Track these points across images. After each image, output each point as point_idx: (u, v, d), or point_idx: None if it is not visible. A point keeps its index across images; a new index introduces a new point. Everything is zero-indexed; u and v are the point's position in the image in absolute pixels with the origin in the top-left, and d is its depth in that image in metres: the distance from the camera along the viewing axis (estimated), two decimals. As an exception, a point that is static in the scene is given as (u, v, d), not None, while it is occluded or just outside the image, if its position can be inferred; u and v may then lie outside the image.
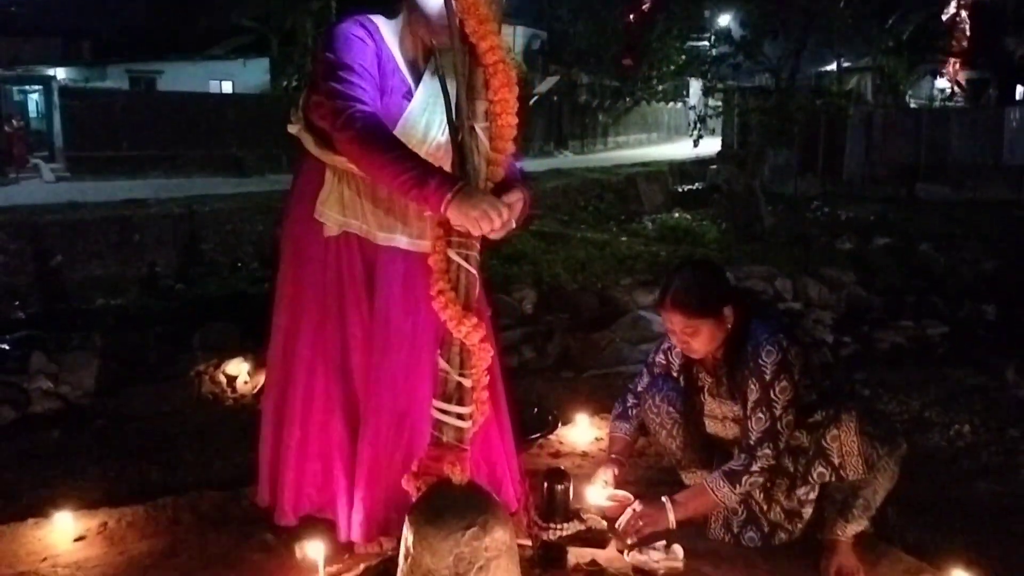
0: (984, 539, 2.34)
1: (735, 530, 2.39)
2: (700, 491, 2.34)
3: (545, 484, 2.38)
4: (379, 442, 2.15)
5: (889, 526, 2.40)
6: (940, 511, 2.60)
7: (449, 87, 1.89)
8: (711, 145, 20.05)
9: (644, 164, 19.48)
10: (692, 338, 2.32)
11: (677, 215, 14.43)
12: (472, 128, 1.82)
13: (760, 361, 2.24)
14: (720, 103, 18.78)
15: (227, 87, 22.31)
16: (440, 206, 1.77)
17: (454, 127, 1.84)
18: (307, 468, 2.22)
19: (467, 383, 1.84)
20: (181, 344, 4.90)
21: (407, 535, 1.77)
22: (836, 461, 2.22)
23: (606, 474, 2.52)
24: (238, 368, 4.25)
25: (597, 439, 3.17)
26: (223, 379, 4.26)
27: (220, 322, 5.17)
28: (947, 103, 21.70)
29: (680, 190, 17.54)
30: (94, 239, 10.28)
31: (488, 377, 1.90)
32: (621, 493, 2.46)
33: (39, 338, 5.67)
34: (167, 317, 7.29)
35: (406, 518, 1.79)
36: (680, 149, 23.21)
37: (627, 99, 28.64)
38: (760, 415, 2.25)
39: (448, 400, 1.84)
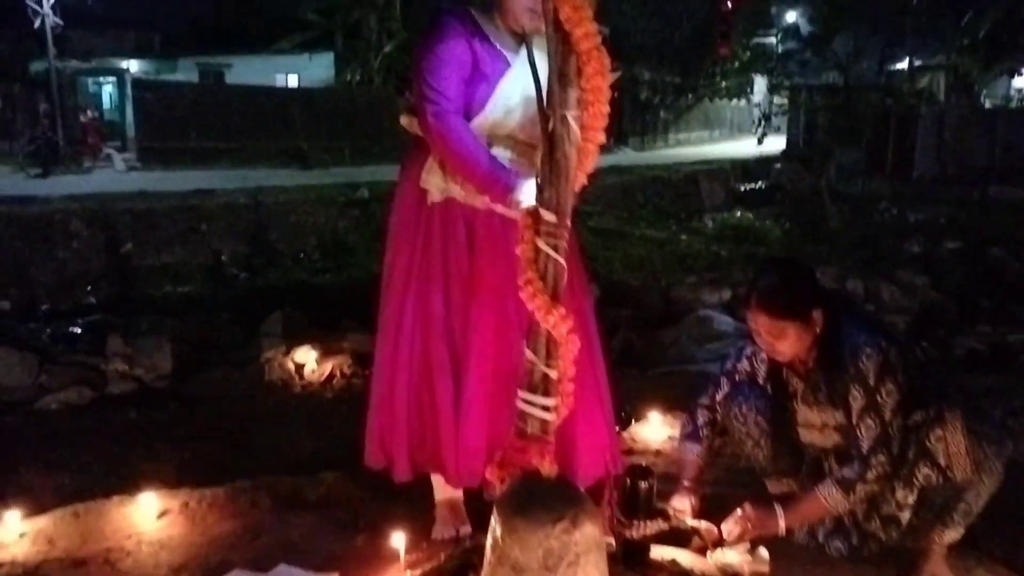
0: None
1: (820, 539, 2.32)
2: (812, 499, 2.24)
3: (628, 481, 2.34)
4: (479, 391, 2.19)
5: (978, 537, 2.31)
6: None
7: (540, 73, 1.88)
8: (775, 143, 19.71)
9: (705, 162, 19.21)
10: (778, 340, 2.23)
11: (739, 214, 14.21)
12: (564, 116, 1.79)
13: (861, 365, 2.15)
14: (786, 100, 18.45)
15: (293, 80, 22.71)
16: (508, 203, 2.05)
17: (545, 115, 1.82)
18: (417, 426, 2.26)
19: (553, 374, 1.81)
20: (250, 331, 5.00)
21: (495, 526, 1.75)
22: (943, 462, 2.11)
23: (682, 504, 2.41)
24: (306, 356, 4.32)
25: (670, 437, 3.13)
26: (291, 366, 4.33)
27: (288, 309, 5.25)
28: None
29: (742, 188, 17.27)
30: (163, 227, 10.53)
31: (574, 369, 1.88)
32: (704, 525, 2.35)
33: (112, 322, 5.84)
34: (232, 305, 7.45)
35: (494, 508, 1.78)
36: (743, 147, 22.87)
37: (689, 96, 28.31)
38: (869, 422, 2.15)
39: (534, 391, 1.81)
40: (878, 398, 2.14)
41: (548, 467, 1.79)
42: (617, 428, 2.59)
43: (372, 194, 11.57)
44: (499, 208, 2.19)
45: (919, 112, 16.87)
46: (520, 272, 1.82)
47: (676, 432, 2.94)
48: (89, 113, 17.61)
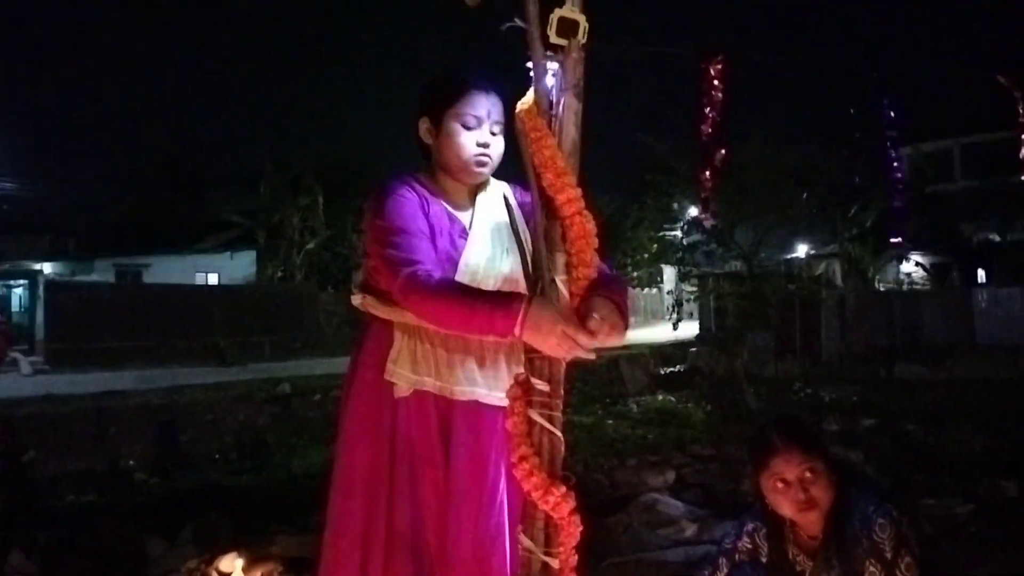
0: None
1: None
2: None
3: None
4: None
5: None
6: None
7: (500, 227, 1.88)
8: (689, 328, 20.37)
9: (626, 347, 19.63)
10: (814, 484, 2.08)
11: (661, 397, 14.38)
12: (552, 280, 1.75)
13: (875, 537, 2.03)
14: (695, 288, 19.29)
15: (213, 279, 22.72)
16: (514, 327, 1.69)
17: (531, 280, 1.78)
18: None
19: (555, 563, 1.65)
20: (165, 541, 4.66)
21: None
22: None
23: None
24: (231, 565, 4.01)
25: None
26: (215, 576, 4.01)
27: (209, 515, 4.94)
28: (914, 286, 22.44)
29: (662, 372, 17.61)
30: (68, 433, 10.00)
31: (576, 557, 1.71)
32: None
33: (12, 538, 5.38)
34: (141, 513, 6.98)
35: None
36: (659, 332, 23.53)
37: (604, 286, 29.35)
38: None
39: None
40: (898, 573, 2.03)
41: None
42: None
43: (294, 389, 11.33)
44: (480, 395, 2.03)
45: (821, 297, 17.83)
46: (513, 449, 1.68)
47: None
48: (-5, 318, 17.13)
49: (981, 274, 22.58)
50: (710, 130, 9.81)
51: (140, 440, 10.49)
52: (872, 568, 2.04)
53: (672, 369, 17.94)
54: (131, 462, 9.92)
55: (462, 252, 2.05)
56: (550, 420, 1.70)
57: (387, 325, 2.08)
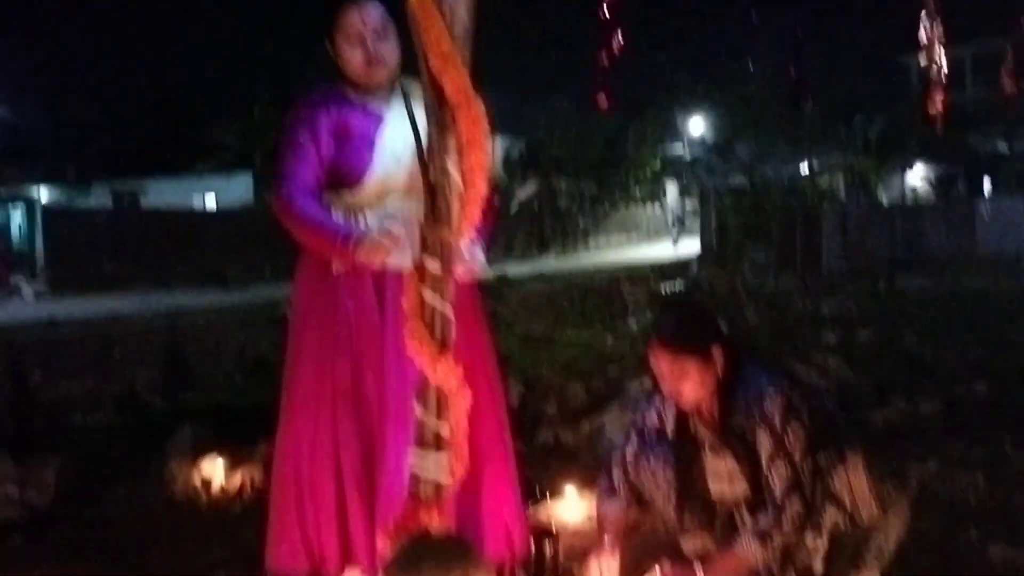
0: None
1: None
2: (730, 555, 2.16)
3: (532, 544, 2.26)
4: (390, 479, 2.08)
5: None
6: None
7: (416, 115, 1.92)
8: (690, 245, 20.36)
9: (626, 266, 19.67)
10: (681, 381, 2.19)
11: (661, 314, 14.48)
12: (443, 166, 1.79)
13: (765, 408, 2.12)
14: (697, 203, 19.19)
15: (210, 200, 22.59)
16: (348, 253, 2.06)
17: (424, 164, 1.82)
18: (321, 521, 2.17)
19: (445, 431, 1.74)
20: (155, 451, 4.76)
21: None
22: (848, 505, 2.09)
23: (609, 566, 2.28)
24: (213, 468, 4.08)
25: (589, 517, 3.02)
26: (198, 480, 4.08)
27: (197, 426, 5.01)
28: (918, 199, 22.31)
29: (663, 290, 17.68)
30: (73, 357, 10.11)
31: (466, 423, 1.82)
32: None
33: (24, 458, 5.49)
34: (146, 433, 7.09)
35: (380, 573, 1.69)
36: (660, 250, 23.54)
37: (606, 203, 29.23)
38: (779, 466, 2.10)
39: (425, 450, 1.74)
40: (786, 442, 2.10)
41: (438, 523, 1.71)
42: (528, 508, 2.54)
43: (294, 311, 11.39)
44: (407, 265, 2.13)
45: (822, 210, 17.72)
46: (405, 323, 1.78)
47: (594, 508, 2.85)
48: (-5, 244, 17.14)
49: (987, 187, 22.40)
50: (607, 12, 9.70)
51: (145, 364, 10.57)
52: (763, 437, 2.13)
53: (673, 286, 18.00)
54: (136, 385, 10.05)
55: (378, 142, 2.22)
56: (441, 298, 1.77)
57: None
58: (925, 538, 2.78)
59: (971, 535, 2.86)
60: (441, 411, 1.75)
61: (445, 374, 1.73)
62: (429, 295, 1.76)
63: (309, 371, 2.23)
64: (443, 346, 1.74)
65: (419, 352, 1.74)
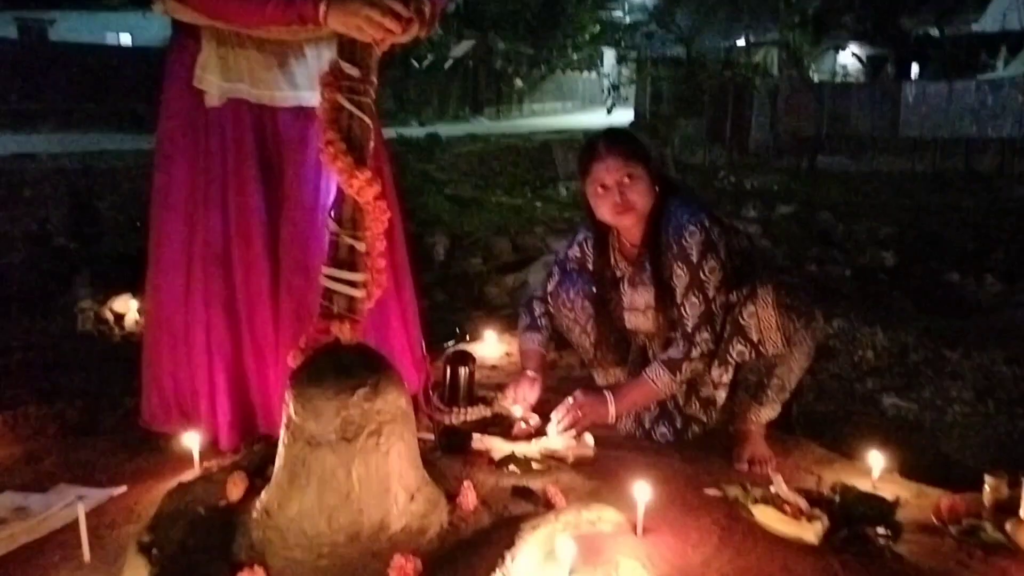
0: (888, 446, 2.25)
1: (647, 425, 2.35)
2: (641, 382, 2.24)
3: (448, 367, 2.27)
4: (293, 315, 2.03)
5: (797, 428, 2.42)
6: (847, 423, 2.66)
7: None
8: (624, 115, 20.23)
9: (559, 131, 19.49)
10: (632, 189, 2.20)
11: (590, 181, 14.52)
12: None
13: (684, 242, 2.15)
14: (633, 72, 18.95)
15: (125, 39, 21.25)
16: (319, 15, 1.70)
17: None
18: (182, 375, 2.12)
19: (360, 246, 1.67)
20: (65, 287, 4.68)
21: (288, 402, 1.60)
22: (755, 337, 2.14)
23: (528, 395, 2.38)
24: (126, 305, 4.04)
25: (507, 354, 3.14)
26: (109, 316, 4.05)
27: (105, 264, 4.92)
28: (847, 78, 22.46)
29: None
30: (-20, 194, 9.64)
31: (385, 243, 1.75)
32: (528, 411, 2.35)
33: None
34: (59, 276, 6.93)
35: (287, 384, 1.62)
36: (594, 118, 23.32)
37: (542, 67, 28.59)
38: (693, 299, 2.16)
39: (339, 266, 1.67)
40: (701, 275, 2.15)
41: (348, 335, 1.64)
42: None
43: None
44: (304, 100, 1.99)
45: (754, 85, 17.72)
46: (321, 132, 1.65)
47: (513, 349, 2.95)
48: None
49: (915, 70, 22.66)
50: None
51: (57, 205, 10.18)
52: (679, 269, 2.18)
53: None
54: (48, 226, 9.69)
55: None
56: (359, 106, 1.65)
57: (193, 31, 2.00)
58: (825, 386, 3.00)
59: (867, 385, 3.08)
60: (357, 228, 1.67)
61: (362, 186, 1.63)
62: (346, 101, 1.64)
63: (178, 219, 2.07)
64: (360, 157, 1.65)
65: (334, 162, 1.62)
